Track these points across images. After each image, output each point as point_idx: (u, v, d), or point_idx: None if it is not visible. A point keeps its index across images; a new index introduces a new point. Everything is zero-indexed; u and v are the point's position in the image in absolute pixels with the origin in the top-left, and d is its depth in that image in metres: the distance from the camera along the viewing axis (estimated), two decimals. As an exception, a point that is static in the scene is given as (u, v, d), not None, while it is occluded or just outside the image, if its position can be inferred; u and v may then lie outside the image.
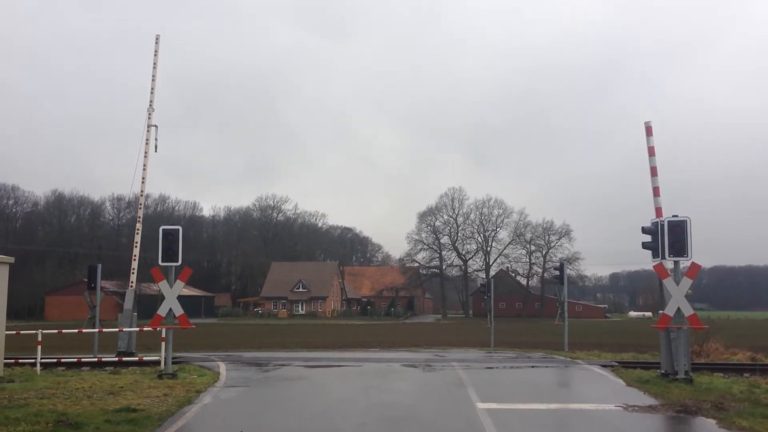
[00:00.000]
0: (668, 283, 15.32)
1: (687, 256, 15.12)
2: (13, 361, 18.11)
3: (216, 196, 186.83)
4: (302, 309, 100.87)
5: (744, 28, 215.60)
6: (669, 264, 15.66)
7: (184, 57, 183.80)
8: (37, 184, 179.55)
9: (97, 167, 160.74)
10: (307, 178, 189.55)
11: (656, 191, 17.97)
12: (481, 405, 11.93)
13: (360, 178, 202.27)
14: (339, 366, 19.03)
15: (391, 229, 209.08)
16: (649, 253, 16.44)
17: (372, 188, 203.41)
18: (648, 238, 16.47)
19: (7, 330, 16.53)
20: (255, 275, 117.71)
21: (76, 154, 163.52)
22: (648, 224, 16.67)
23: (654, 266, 16.00)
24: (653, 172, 18.19)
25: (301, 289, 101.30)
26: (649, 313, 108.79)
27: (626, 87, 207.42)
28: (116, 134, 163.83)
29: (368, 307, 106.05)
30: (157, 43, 24.63)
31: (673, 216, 15.44)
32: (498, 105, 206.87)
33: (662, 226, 15.60)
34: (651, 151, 18.35)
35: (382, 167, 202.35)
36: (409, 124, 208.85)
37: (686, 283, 15.25)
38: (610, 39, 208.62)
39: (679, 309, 15.13)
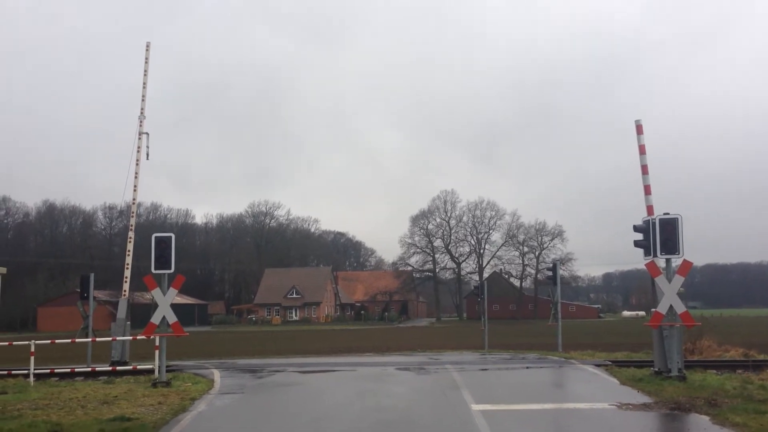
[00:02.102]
0: (660, 280, 15.38)
1: (678, 254, 15.20)
2: (6, 372, 18.05)
3: (214, 201, 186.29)
4: (296, 315, 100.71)
5: (761, 19, 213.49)
6: (661, 262, 15.72)
7: (184, 60, 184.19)
8: (29, 195, 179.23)
9: (89, 176, 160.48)
10: (306, 182, 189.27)
11: (647, 189, 18.09)
12: (475, 406, 11.94)
13: (360, 182, 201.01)
14: (333, 371, 19.01)
15: (387, 233, 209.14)
16: (641, 251, 16.51)
17: (371, 192, 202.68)
18: (640, 236, 16.54)
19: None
20: (248, 282, 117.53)
21: (69, 163, 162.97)
22: (640, 222, 16.75)
23: (646, 264, 16.06)
24: (644, 170, 18.32)
25: (294, 296, 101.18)
26: (642, 313, 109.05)
27: (635, 82, 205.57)
28: (109, 141, 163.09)
29: (362, 311, 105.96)
30: (147, 50, 24.65)
31: (665, 214, 15.52)
32: (504, 103, 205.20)
33: (653, 224, 15.65)
34: (642, 150, 18.49)
35: (382, 170, 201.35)
36: (413, 126, 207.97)
37: (678, 280, 15.30)
38: (621, 33, 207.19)
39: (671, 307, 15.19)
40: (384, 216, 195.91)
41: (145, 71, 24.50)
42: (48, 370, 19.10)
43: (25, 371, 17.71)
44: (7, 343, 19.46)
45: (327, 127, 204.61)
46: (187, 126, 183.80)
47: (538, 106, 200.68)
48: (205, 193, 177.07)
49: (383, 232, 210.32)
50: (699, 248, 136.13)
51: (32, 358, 17.51)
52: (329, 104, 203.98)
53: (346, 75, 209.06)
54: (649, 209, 17.73)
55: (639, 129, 18.58)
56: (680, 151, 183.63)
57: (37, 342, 18.43)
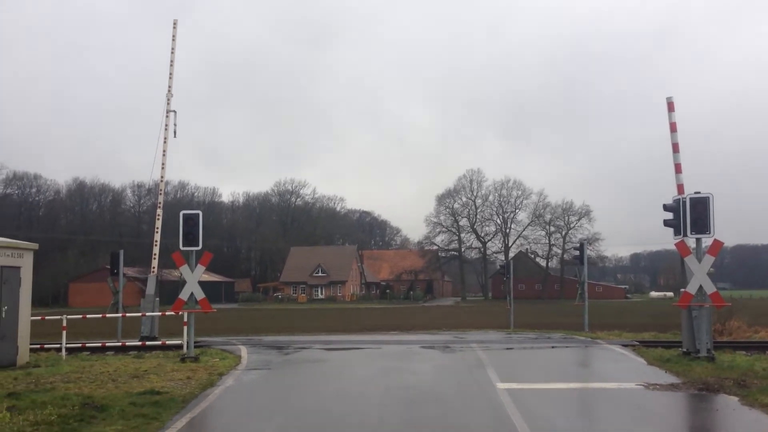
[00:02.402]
0: (690, 260, 15.18)
1: (709, 233, 14.98)
2: (38, 346, 18.41)
3: (241, 179, 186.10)
4: (322, 293, 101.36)
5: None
6: (691, 241, 15.52)
7: (214, 38, 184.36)
8: (59, 172, 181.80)
9: (118, 153, 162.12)
10: (333, 161, 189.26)
11: (678, 168, 17.83)
12: (501, 385, 11.95)
13: (387, 161, 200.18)
14: (359, 348, 19.12)
15: (413, 212, 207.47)
16: (669, 232, 16.30)
17: (398, 171, 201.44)
18: (670, 215, 16.31)
19: (32, 316, 16.78)
20: (274, 260, 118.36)
21: (99, 140, 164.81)
22: (670, 202, 16.52)
23: (676, 244, 15.86)
24: (675, 148, 18.04)
25: (320, 274, 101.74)
26: (670, 293, 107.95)
27: (670, 57, 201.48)
28: (139, 118, 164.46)
29: (387, 290, 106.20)
30: (174, 27, 24.71)
31: (695, 193, 15.28)
32: (535, 80, 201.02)
33: (684, 203, 15.42)
34: (673, 127, 18.19)
35: (410, 148, 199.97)
36: (442, 104, 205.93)
37: (708, 260, 15.10)
38: (661, 4, 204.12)
39: (701, 287, 15.00)
40: (410, 195, 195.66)
41: (173, 49, 24.57)
42: (79, 345, 19.48)
43: (57, 345, 18.07)
44: (39, 318, 19.85)
45: (356, 105, 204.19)
46: (216, 105, 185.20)
47: (568, 83, 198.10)
48: (232, 171, 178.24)
49: (409, 211, 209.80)
50: (730, 228, 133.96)
51: (64, 332, 17.85)
52: (358, 82, 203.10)
53: (375, 52, 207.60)
54: (680, 188, 17.48)
55: (670, 106, 18.26)
56: (714, 127, 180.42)
57: (68, 317, 18.79)
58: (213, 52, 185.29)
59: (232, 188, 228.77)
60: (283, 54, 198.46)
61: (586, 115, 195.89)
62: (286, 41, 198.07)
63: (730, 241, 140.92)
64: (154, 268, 24.04)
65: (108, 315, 22.17)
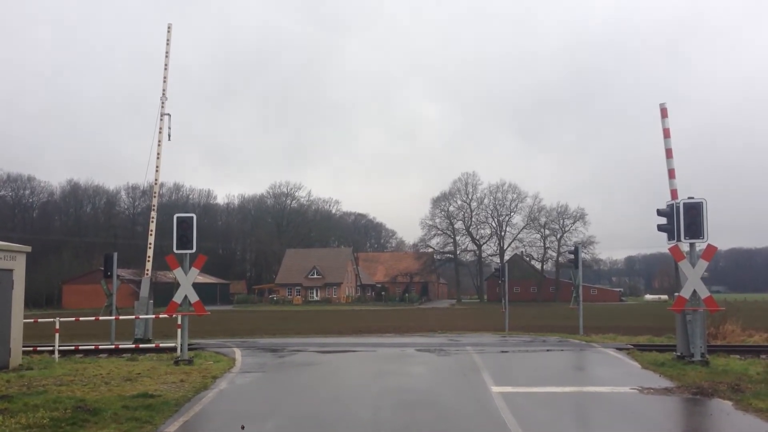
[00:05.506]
0: (684, 265, 15.22)
1: (703, 238, 15.03)
2: (31, 348, 18.33)
3: (240, 179, 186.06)
4: (317, 295, 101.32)
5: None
6: (685, 246, 15.56)
7: (221, 35, 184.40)
8: (53, 174, 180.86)
9: (112, 155, 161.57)
10: (336, 163, 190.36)
11: (671, 173, 17.86)
12: (495, 389, 11.93)
13: (392, 163, 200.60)
14: (353, 351, 19.08)
15: (413, 215, 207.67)
16: (664, 235, 16.34)
17: (404, 172, 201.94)
18: (663, 220, 16.36)
19: (25, 318, 16.69)
20: (269, 262, 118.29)
21: (93, 143, 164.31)
22: (663, 207, 16.56)
23: (669, 248, 15.89)
24: (668, 153, 18.06)
25: (315, 276, 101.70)
26: (665, 296, 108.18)
27: (672, 65, 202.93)
28: (135, 120, 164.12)
29: (383, 292, 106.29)
30: (169, 32, 24.68)
31: (689, 198, 15.33)
32: (546, 83, 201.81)
33: (677, 208, 15.47)
34: (666, 133, 18.21)
35: (417, 151, 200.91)
36: (451, 104, 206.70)
37: (702, 265, 15.14)
38: (679, 6, 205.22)
39: (695, 291, 15.04)
40: (412, 197, 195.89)
41: (167, 53, 24.54)
42: (72, 347, 19.40)
43: (50, 348, 17.99)
44: (32, 320, 19.76)
45: (363, 106, 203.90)
46: (223, 102, 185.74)
47: (569, 92, 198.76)
48: (236, 169, 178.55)
49: (409, 214, 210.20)
50: (724, 232, 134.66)
51: (57, 335, 17.78)
52: (367, 81, 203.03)
53: (385, 52, 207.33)
54: (673, 193, 17.49)
55: (663, 112, 18.29)
56: (715, 134, 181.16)
57: (61, 319, 18.71)
58: (222, 48, 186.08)
59: (233, 186, 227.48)
60: (293, 52, 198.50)
61: (586, 121, 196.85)
62: (295, 38, 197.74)
63: (724, 244, 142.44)
64: (147, 270, 23.99)
65: (101, 317, 22.11)
